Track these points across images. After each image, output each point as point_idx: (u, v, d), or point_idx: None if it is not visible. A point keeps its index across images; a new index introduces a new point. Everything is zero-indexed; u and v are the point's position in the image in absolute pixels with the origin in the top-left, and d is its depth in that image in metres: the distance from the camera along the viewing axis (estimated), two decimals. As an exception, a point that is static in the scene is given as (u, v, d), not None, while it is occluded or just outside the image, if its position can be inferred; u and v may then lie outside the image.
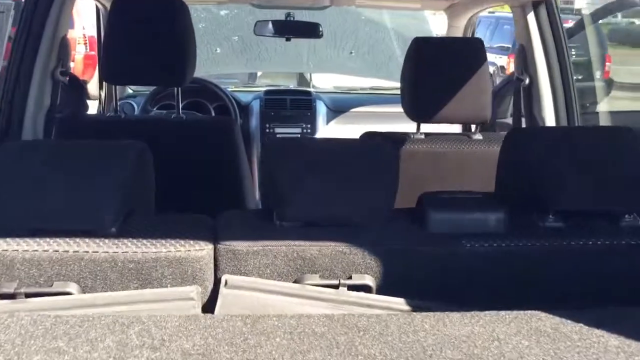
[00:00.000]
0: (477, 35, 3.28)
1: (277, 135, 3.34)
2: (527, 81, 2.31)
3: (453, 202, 1.21)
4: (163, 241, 1.08)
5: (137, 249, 1.06)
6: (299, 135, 3.36)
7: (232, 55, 4.04)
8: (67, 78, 2.21)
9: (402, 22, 4.24)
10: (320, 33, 3.29)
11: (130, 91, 3.49)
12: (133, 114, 3.30)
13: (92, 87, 4.88)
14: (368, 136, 2.15)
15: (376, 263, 1.12)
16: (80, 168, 1.10)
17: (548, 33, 2.23)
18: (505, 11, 8.90)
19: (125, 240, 1.08)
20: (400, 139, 2.12)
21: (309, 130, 3.38)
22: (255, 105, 3.41)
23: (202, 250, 1.09)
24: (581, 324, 0.90)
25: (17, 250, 1.05)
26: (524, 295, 1.13)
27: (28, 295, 1.03)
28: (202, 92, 3.34)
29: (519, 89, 2.34)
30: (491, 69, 10.24)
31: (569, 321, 0.91)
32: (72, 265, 1.05)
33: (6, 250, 1.05)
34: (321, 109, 3.45)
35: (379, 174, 1.19)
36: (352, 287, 1.11)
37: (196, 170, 2.02)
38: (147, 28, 1.96)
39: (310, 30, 3.31)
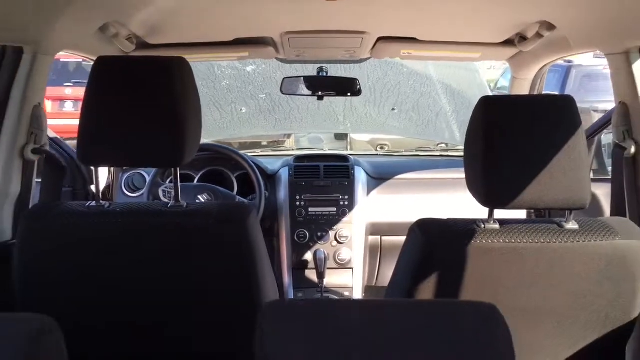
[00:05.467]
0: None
1: (309, 210, 2.84)
2: (632, 149, 1.76)
3: None
4: None
5: None
6: (334, 210, 2.85)
7: (260, 116, 3.60)
8: (43, 157, 1.77)
9: (450, 73, 3.75)
10: (359, 90, 2.81)
11: None
12: (144, 185, 2.86)
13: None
14: (422, 226, 1.61)
15: None
16: None
17: (662, 87, 1.70)
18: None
19: None
20: (467, 229, 1.58)
21: (346, 202, 2.87)
22: (284, 174, 2.93)
23: None
24: None
25: None
26: None
27: None
28: (222, 159, 2.88)
29: (621, 159, 1.80)
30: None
31: None
32: None
33: None
34: (361, 177, 2.94)
35: None
36: None
37: (197, 281, 1.52)
38: (135, 94, 1.50)
39: (347, 87, 2.82)
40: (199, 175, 2.89)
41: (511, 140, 1.50)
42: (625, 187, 1.82)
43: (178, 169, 1.59)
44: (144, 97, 1.49)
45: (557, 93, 9.54)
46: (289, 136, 4.16)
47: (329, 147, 3.93)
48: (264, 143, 4.05)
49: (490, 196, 1.53)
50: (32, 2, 1.46)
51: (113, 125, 1.49)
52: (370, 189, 2.93)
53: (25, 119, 1.70)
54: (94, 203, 1.58)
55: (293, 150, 3.60)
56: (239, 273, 1.53)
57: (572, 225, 1.57)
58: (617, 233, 1.53)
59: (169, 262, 1.51)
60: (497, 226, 1.57)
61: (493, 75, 13.82)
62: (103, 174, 2.93)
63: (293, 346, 0.66)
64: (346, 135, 3.94)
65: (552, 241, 1.54)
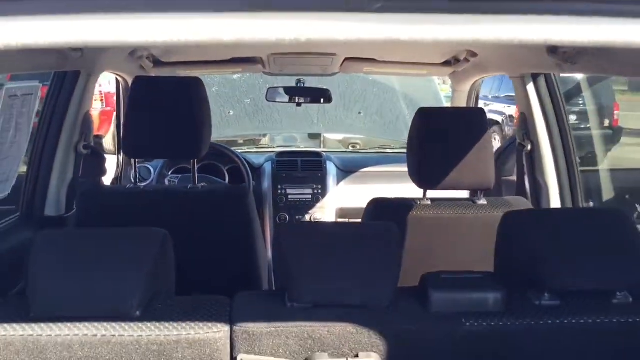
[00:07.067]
0: (485, 84, 3.35)
1: (289, 197, 3.43)
2: (529, 147, 2.39)
3: (454, 282, 1.29)
4: (183, 324, 1.17)
5: (160, 332, 1.15)
6: (310, 197, 3.45)
7: (245, 118, 4.18)
8: (90, 151, 2.33)
9: (409, 82, 4.37)
10: (330, 97, 3.43)
11: None
12: (150, 177, 3.42)
13: (107, 141, 5.02)
14: (375, 203, 2.22)
15: (382, 342, 1.19)
16: (108, 257, 1.19)
17: (548, 102, 2.33)
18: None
19: (149, 324, 1.16)
20: (407, 205, 2.20)
21: (319, 191, 3.47)
22: (267, 167, 3.52)
23: (219, 332, 1.17)
24: None
25: (50, 335, 1.14)
26: None
27: None
28: (215, 155, 3.45)
29: (522, 154, 2.43)
30: (499, 118, 10.33)
31: None
32: (99, 348, 1.14)
33: (40, 335, 1.14)
34: (331, 170, 3.55)
35: (385, 258, 1.26)
36: (360, 365, 1.19)
37: (212, 240, 2.10)
38: (165, 105, 2.08)
39: (321, 95, 3.45)
40: (195, 168, 3.46)
41: (438, 140, 2.11)
42: (525, 174, 2.45)
43: (195, 160, 2.18)
44: (172, 108, 2.08)
45: (513, 94, 10.28)
46: (264, 135, 4.73)
47: (303, 145, 4.52)
48: (240, 141, 4.60)
49: (423, 180, 2.15)
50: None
51: (149, 128, 2.07)
52: (339, 179, 3.54)
53: (79, 122, 2.27)
54: (131, 185, 2.16)
55: (273, 147, 4.18)
56: (241, 235, 2.13)
57: (482, 201, 2.19)
58: (513, 207, 2.15)
59: (192, 228, 2.09)
60: (428, 202, 2.19)
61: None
62: (111, 167, 3.49)
63: (303, 254, 1.24)
64: (319, 134, 4.54)
65: (467, 213, 2.17)
